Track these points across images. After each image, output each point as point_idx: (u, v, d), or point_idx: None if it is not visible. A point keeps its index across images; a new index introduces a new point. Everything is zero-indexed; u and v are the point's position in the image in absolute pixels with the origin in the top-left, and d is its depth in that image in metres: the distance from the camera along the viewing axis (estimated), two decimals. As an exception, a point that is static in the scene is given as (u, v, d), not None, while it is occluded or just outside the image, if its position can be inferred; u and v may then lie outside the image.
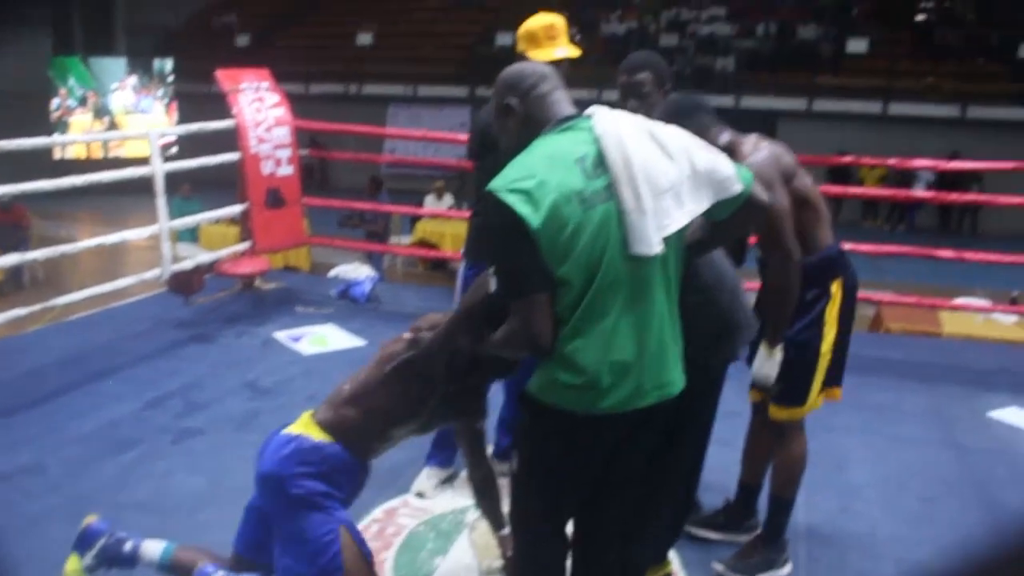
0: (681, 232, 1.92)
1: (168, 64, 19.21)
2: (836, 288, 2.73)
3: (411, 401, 2.30)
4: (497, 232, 1.88)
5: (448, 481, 3.39)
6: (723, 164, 1.95)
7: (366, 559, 2.29)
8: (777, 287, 2.62)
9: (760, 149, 2.62)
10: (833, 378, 2.85)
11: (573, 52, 3.01)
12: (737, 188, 1.95)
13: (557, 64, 2.86)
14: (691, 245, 2.05)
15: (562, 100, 1.98)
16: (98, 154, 17.81)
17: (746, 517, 3.10)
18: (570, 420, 1.92)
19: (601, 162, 1.86)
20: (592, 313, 1.85)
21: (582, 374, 1.87)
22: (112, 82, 18.69)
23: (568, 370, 1.88)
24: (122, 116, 18.78)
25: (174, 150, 14.82)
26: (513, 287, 1.89)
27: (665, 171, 1.87)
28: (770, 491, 2.93)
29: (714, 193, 1.94)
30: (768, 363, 2.67)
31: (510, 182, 1.84)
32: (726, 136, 2.60)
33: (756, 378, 2.74)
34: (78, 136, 14.80)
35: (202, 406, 4.11)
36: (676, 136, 1.94)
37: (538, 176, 1.82)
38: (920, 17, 19.73)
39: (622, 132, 1.88)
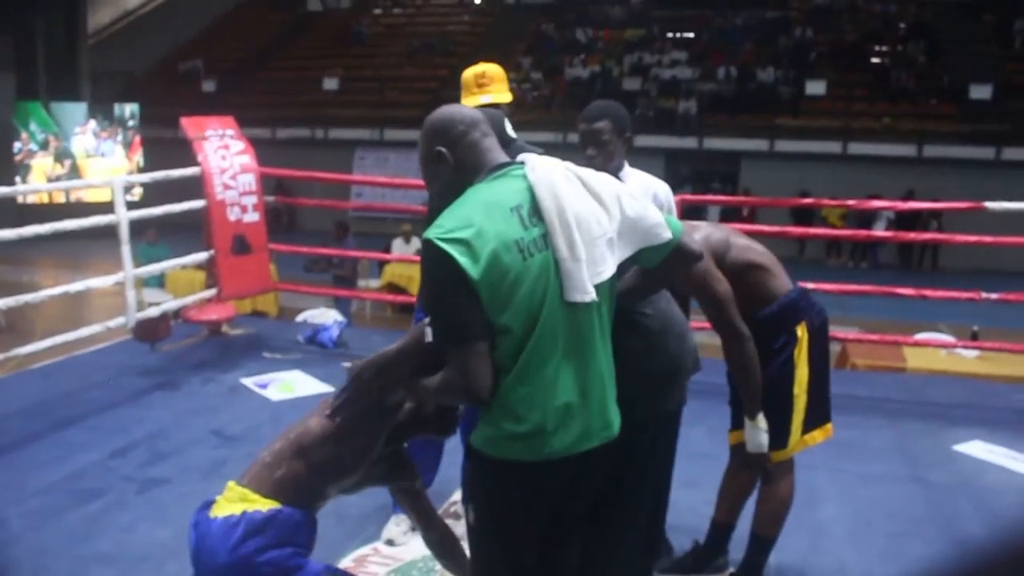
0: (613, 278, 1.95)
1: (129, 109, 19.17)
2: (801, 331, 2.78)
3: (356, 452, 2.24)
4: (437, 282, 1.86)
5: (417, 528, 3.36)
6: (652, 212, 1.99)
7: None
8: (737, 365, 2.70)
9: (691, 232, 2.67)
10: (821, 416, 2.89)
11: (499, 98, 3.05)
12: (666, 235, 1.98)
13: (497, 108, 2.92)
14: (624, 292, 2.07)
15: (494, 147, 1.98)
16: (60, 198, 17.64)
17: (716, 556, 3.10)
18: (517, 468, 1.92)
19: (536, 211, 1.87)
20: (534, 360, 1.86)
21: (526, 422, 1.87)
22: (74, 126, 18.60)
23: (512, 419, 1.88)
24: (83, 160, 18.67)
25: (137, 190, 14.73)
26: (453, 336, 1.87)
27: (598, 219, 1.90)
28: (753, 530, 2.95)
29: (642, 240, 1.97)
30: (755, 433, 2.72)
31: (447, 231, 1.82)
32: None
33: (751, 450, 2.76)
34: (42, 186, 14.74)
35: (168, 455, 4.05)
36: (607, 183, 1.97)
37: (476, 225, 1.82)
38: (875, 60, 20.25)
39: (555, 180, 1.89)
